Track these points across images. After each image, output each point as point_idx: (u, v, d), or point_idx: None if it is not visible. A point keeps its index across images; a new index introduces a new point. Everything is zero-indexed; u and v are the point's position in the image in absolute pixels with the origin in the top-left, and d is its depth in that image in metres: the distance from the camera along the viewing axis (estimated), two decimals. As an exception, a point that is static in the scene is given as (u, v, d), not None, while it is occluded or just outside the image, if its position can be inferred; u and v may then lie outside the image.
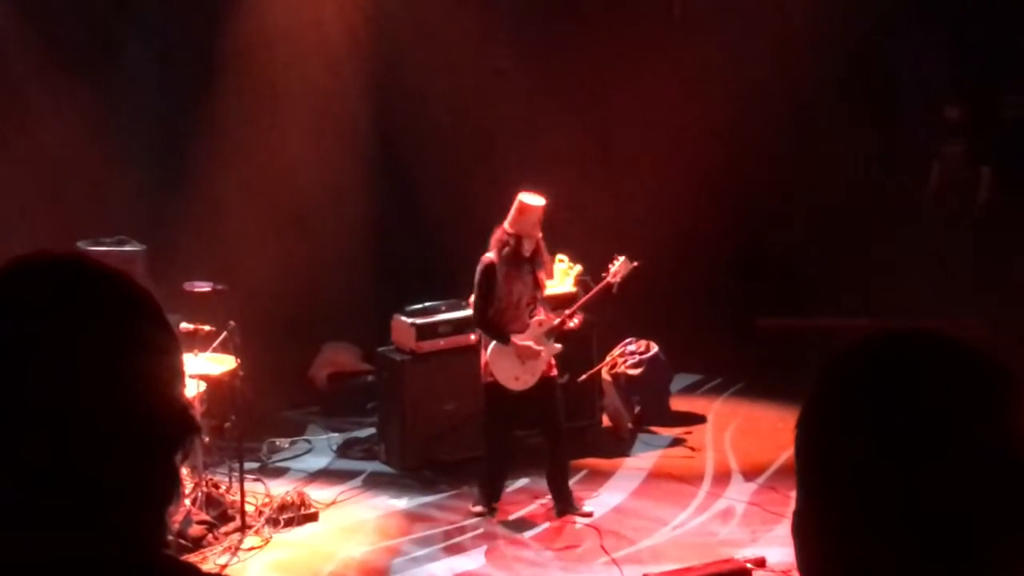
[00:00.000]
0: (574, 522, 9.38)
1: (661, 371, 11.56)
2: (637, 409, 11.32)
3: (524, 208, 9.06)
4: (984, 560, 1.51)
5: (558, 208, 12.28)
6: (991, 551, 1.51)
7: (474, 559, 8.92)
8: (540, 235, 9.18)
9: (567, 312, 9.53)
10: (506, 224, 9.11)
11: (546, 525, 9.42)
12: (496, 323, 9.21)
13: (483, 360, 9.29)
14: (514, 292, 9.21)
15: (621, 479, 10.29)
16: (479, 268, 9.19)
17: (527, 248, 9.12)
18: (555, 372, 9.43)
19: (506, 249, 9.10)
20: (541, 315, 9.36)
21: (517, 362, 9.22)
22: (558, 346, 9.41)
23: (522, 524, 9.46)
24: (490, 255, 9.15)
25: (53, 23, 11.61)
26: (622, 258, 9.59)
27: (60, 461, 1.54)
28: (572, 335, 10.41)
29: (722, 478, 10.20)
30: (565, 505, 9.50)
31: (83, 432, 1.55)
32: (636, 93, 13.25)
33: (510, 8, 13.23)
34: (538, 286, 9.34)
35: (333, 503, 9.84)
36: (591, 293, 9.77)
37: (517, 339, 9.17)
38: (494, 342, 9.20)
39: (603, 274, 9.68)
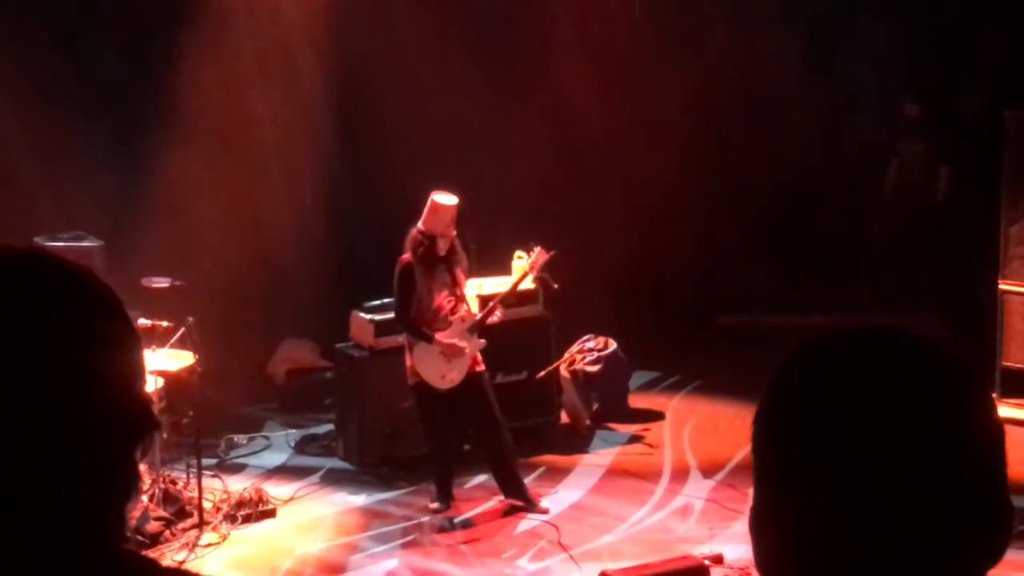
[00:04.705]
0: (531, 519, 9.39)
1: (619, 368, 11.58)
2: (595, 406, 11.33)
3: (437, 208, 9.07)
4: (942, 554, 1.53)
5: (518, 205, 12.28)
6: (948, 545, 1.53)
7: (431, 555, 8.92)
8: (455, 234, 9.19)
9: (488, 306, 9.53)
10: (419, 224, 9.12)
11: (503, 521, 9.42)
12: (419, 323, 9.20)
13: (408, 362, 9.28)
14: (433, 291, 9.21)
15: (579, 476, 10.31)
16: (396, 270, 9.19)
17: (442, 247, 9.13)
18: (481, 367, 9.40)
19: (420, 249, 9.10)
20: (462, 311, 9.37)
21: (443, 360, 9.19)
22: (482, 341, 9.38)
23: (479, 520, 9.46)
24: (406, 256, 9.16)
25: (11, 18, 11.51)
26: (538, 248, 9.64)
27: (19, 456, 1.54)
28: (531, 332, 10.46)
29: (680, 475, 10.22)
30: (515, 492, 9.50)
31: (43, 427, 1.54)
32: (595, 92, 13.27)
33: (470, 2, 13.22)
34: (456, 283, 9.32)
35: (291, 499, 9.82)
36: (511, 287, 9.79)
37: (441, 337, 9.16)
38: (418, 343, 9.20)
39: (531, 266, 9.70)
